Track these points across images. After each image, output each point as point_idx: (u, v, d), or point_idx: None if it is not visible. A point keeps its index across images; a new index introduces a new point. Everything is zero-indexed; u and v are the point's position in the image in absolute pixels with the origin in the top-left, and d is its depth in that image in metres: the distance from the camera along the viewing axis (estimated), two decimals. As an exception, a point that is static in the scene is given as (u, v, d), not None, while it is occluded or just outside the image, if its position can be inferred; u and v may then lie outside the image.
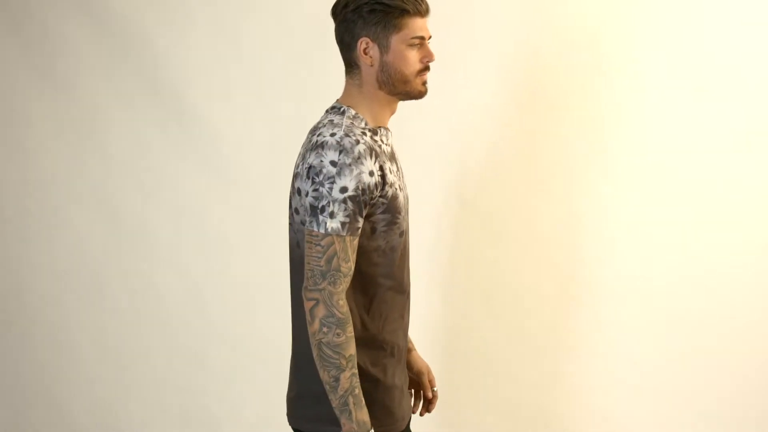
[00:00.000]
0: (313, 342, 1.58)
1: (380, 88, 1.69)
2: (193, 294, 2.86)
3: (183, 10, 2.76)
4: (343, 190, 1.56)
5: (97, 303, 2.89)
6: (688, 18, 2.63)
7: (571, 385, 2.76)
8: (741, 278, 2.70)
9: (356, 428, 1.58)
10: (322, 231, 1.56)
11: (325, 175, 1.57)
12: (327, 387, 1.59)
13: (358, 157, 1.58)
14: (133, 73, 2.80)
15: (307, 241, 1.58)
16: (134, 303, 2.88)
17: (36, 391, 2.92)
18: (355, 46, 1.67)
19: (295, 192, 1.65)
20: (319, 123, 1.70)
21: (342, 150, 1.58)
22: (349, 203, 1.57)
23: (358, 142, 1.60)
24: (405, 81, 1.68)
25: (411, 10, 1.65)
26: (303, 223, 1.62)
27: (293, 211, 1.67)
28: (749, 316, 2.71)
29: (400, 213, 1.68)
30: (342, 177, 1.56)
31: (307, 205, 1.59)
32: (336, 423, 1.62)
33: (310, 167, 1.59)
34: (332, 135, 1.60)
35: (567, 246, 2.72)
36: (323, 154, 1.58)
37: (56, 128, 2.85)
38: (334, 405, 1.59)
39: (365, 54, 1.67)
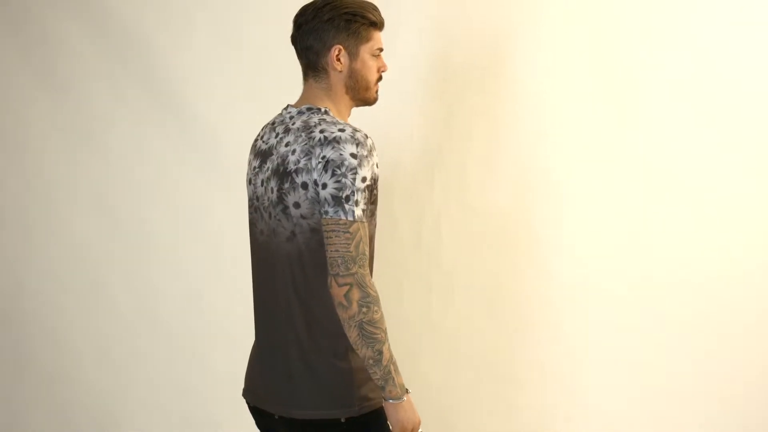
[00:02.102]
0: (351, 324, 1.67)
1: (346, 92, 1.85)
2: (192, 295, 2.86)
3: (182, 12, 2.76)
4: (363, 179, 1.69)
5: (96, 304, 2.89)
6: (689, 19, 2.63)
7: (571, 387, 2.76)
8: (741, 281, 2.70)
9: (399, 392, 1.71)
10: (350, 218, 1.67)
11: (347, 166, 1.67)
12: (371, 362, 1.69)
13: (370, 150, 1.71)
14: (132, 74, 2.80)
15: (331, 230, 1.67)
16: (134, 304, 2.88)
17: (35, 392, 2.92)
18: (327, 52, 1.81)
19: (297, 187, 1.71)
20: (307, 122, 1.76)
21: (358, 143, 1.69)
22: (366, 192, 1.70)
23: (366, 136, 1.72)
24: (367, 88, 1.86)
25: (378, 24, 1.84)
26: (317, 214, 1.70)
27: (288, 205, 1.74)
28: (749, 318, 2.72)
29: (376, 205, 1.82)
30: (362, 168, 1.68)
31: (328, 196, 1.67)
32: (346, 402, 1.75)
33: (328, 161, 1.68)
34: (341, 130, 1.70)
35: (567, 248, 2.73)
36: (341, 147, 1.68)
37: (55, 130, 2.85)
38: (377, 377, 1.70)
39: (338, 60, 1.81)
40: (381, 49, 1.86)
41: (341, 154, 1.68)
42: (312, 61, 1.84)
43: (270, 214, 1.79)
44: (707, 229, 2.70)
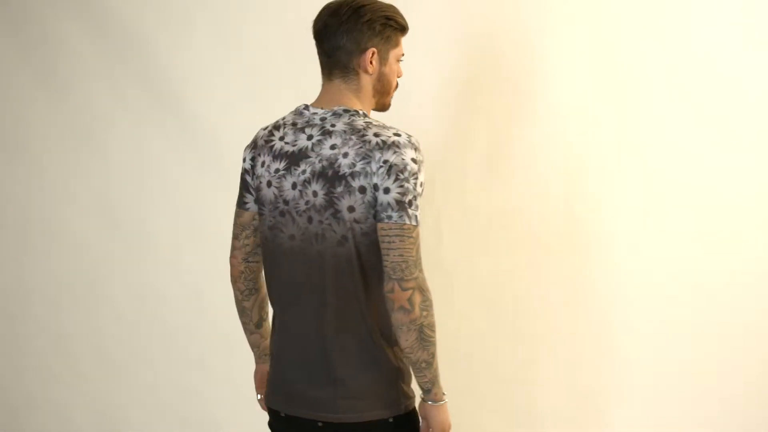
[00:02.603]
0: (411, 328, 1.69)
1: (373, 96, 1.82)
2: (193, 296, 2.86)
3: (182, 13, 2.76)
4: (421, 184, 1.71)
5: (96, 305, 2.89)
6: (690, 20, 2.63)
7: (572, 389, 2.76)
8: (743, 282, 2.70)
9: (442, 394, 1.79)
10: (413, 223, 1.68)
11: (409, 171, 1.67)
12: (423, 365, 1.73)
13: (422, 155, 1.72)
14: (132, 75, 2.80)
15: (395, 235, 1.66)
16: (134, 304, 2.88)
17: (36, 394, 2.92)
18: (361, 54, 1.77)
19: (353, 190, 1.69)
20: (352, 125, 1.72)
21: (416, 148, 1.70)
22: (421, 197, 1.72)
23: (418, 141, 1.72)
24: (388, 93, 1.85)
25: (405, 30, 1.84)
26: (370, 218, 1.69)
27: (341, 209, 1.70)
28: (751, 320, 2.71)
29: None
30: (420, 173, 1.70)
31: (391, 200, 1.67)
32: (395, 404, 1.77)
33: (391, 165, 1.67)
34: (397, 135, 1.70)
35: (568, 250, 2.72)
36: (402, 152, 1.68)
37: (55, 130, 2.85)
38: (428, 378, 1.75)
39: (371, 63, 1.78)
40: (403, 55, 1.86)
41: (403, 159, 1.67)
42: (342, 62, 1.78)
43: (310, 219, 1.73)
44: (709, 232, 2.69)
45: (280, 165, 1.78)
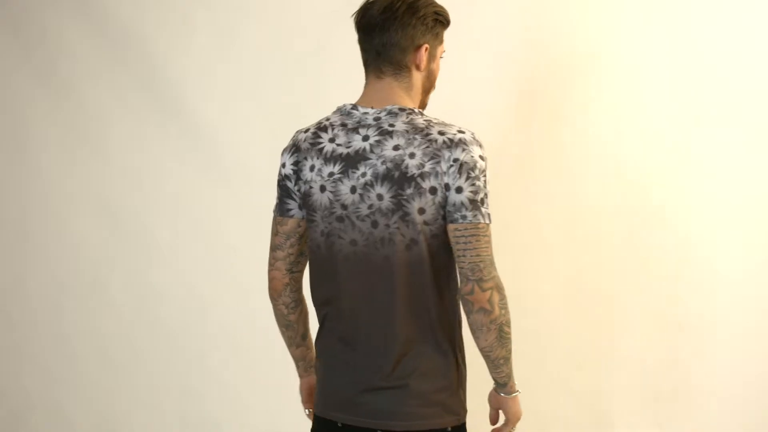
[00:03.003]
0: (491, 327, 1.68)
1: (421, 93, 1.77)
2: (193, 296, 2.86)
3: (182, 13, 2.76)
4: (488, 182, 1.68)
5: (96, 305, 2.89)
6: (694, 22, 2.62)
7: (572, 390, 2.76)
8: (743, 282, 2.70)
9: (516, 385, 1.84)
10: (486, 221, 1.66)
11: (479, 169, 1.65)
12: (501, 361, 1.76)
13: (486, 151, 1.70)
14: (132, 75, 2.80)
15: (471, 234, 1.64)
16: (133, 304, 2.88)
17: (36, 394, 2.92)
18: (414, 50, 1.72)
19: (424, 192, 1.64)
20: (413, 124, 1.67)
21: (480, 145, 1.67)
22: None
23: (480, 137, 1.70)
24: (431, 90, 1.81)
25: (448, 26, 1.79)
26: (439, 219, 1.66)
27: (411, 212, 1.65)
28: (751, 319, 2.71)
29: None
30: (487, 170, 1.68)
31: (464, 200, 1.64)
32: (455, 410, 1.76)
33: (462, 164, 1.64)
34: (461, 132, 1.67)
35: (568, 250, 2.72)
36: (470, 150, 1.65)
37: (55, 130, 2.85)
38: (504, 374, 1.79)
39: (424, 60, 1.73)
40: (444, 52, 1.82)
41: (473, 156, 1.64)
42: (395, 58, 1.71)
43: (374, 223, 1.66)
44: (709, 231, 2.68)
45: (335, 168, 1.69)
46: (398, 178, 1.64)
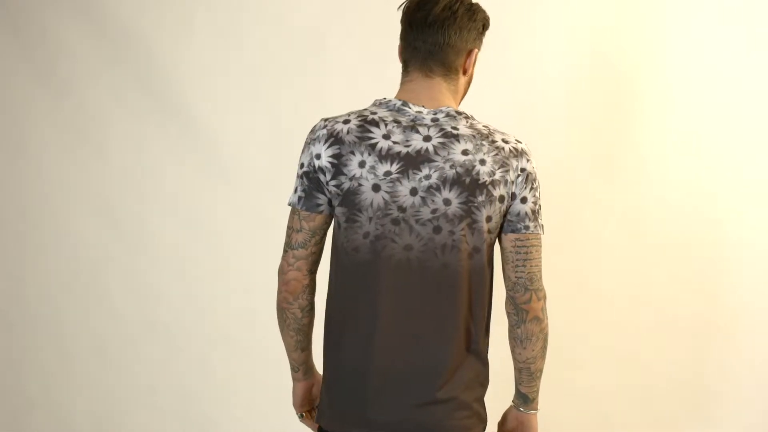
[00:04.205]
0: (540, 337, 1.70)
1: (463, 97, 1.75)
2: (192, 296, 2.86)
3: (181, 14, 2.76)
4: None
5: (96, 304, 2.89)
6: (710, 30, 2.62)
7: (572, 390, 2.76)
8: (743, 281, 2.70)
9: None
10: (542, 233, 1.68)
11: (537, 180, 1.67)
12: (538, 374, 1.75)
13: None
14: (132, 75, 2.80)
15: (532, 245, 1.66)
16: (133, 304, 2.88)
17: (35, 394, 2.92)
18: (467, 53, 1.67)
19: (494, 200, 1.61)
20: (476, 128, 1.63)
21: (531, 155, 1.67)
22: None
23: None
24: (465, 95, 1.76)
25: None
26: (510, 229, 1.66)
27: (479, 219, 1.61)
28: (750, 319, 2.71)
29: None
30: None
31: (528, 210, 1.65)
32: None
33: (528, 174, 1.65)
34: (519, 141, 1.66)
35: (568, 250, 2.72)
36: (531, 160, 1.66)
37: (55, 130, 2.85)
38: (537, 387, 1.77)
39: (471, 64, 1.70)
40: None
41: (534, 167, 1.66)
42: (449, 60, 1.64)
43: (437, 228, 1.59)
44: (709, 231, 2.69)
45: (392, 167, 1.59)
46: (469, 185, 1.59)
